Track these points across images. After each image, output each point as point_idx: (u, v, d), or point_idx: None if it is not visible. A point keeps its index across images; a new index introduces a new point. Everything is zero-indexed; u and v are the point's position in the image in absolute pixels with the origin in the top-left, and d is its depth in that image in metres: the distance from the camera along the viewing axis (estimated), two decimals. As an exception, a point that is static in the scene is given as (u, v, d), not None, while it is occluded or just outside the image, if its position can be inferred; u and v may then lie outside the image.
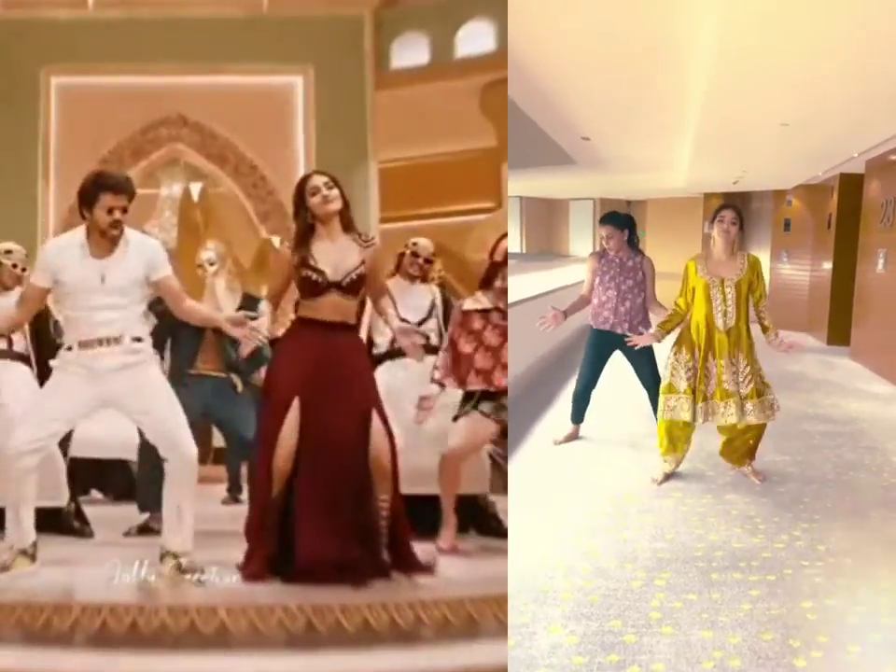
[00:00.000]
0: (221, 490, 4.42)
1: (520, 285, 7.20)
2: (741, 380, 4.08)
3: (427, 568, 2.76)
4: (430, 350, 3.36)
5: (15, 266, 3.45)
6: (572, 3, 4.03)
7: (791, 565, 3.16)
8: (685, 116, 6.18)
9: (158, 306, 3.46)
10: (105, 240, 2.69)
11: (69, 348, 2.72)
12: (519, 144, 10.74)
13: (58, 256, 2.71)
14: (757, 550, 3.32)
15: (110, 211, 2.65)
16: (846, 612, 2.76)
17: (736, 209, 4.17)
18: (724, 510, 3.83)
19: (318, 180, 2.78)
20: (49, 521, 3.19)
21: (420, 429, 3.32)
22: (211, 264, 3.86)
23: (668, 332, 4.23)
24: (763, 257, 12.22)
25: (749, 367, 4.11)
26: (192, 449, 2.73)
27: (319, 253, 2.79)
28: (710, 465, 4.48)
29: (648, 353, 4.71)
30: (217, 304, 3.76)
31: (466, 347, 3.30)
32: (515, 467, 4.50)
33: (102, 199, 2.64)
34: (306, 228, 2.80)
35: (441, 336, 3.60)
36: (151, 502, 3.26)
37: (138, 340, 2.75)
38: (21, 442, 2.63)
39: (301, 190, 2.80)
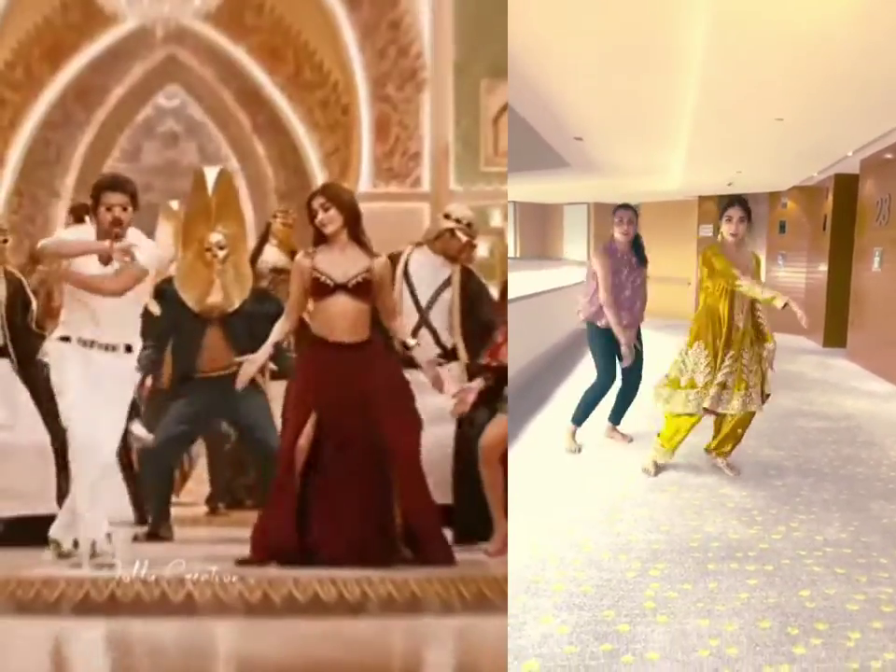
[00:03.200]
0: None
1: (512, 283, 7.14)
2: (751, 370, 4.04)
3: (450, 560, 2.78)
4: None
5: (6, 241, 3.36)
6: (567, 6, 4.00)
7: (788, 555, 3.09)
8: (679, 108, 6.14)
9: (164, 288, 3.34)
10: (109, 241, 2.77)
11: (66, 338, 2.78)
12: (512, 146, 10.68)
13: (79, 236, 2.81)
14: (754, 541, 3.25)
15: (109, 209, 2.77)
16: (845, 601, 2.68)
17: (743, 203, 4.07)
18: (720, 503, 3.75)
19: (316, 203, 2.90)
20: (37, 529, 2.93)
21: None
22: (221, 248, 3.37)
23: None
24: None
25: (755, 356, 4.07)
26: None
27: (327, 259, 2.90)
28: (705, 459, 4.40)
29: (641, 351, 4.74)
30: (227, 296, 3.38)
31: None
32: (510, 464, 4.42)
33: (102, 197, 2.78)
34: (318, 237, 2.93)
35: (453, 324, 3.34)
36: (160, 508, 3.24)
37: (128, 349, 2.86)
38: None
39: (308, 208, 2.93)
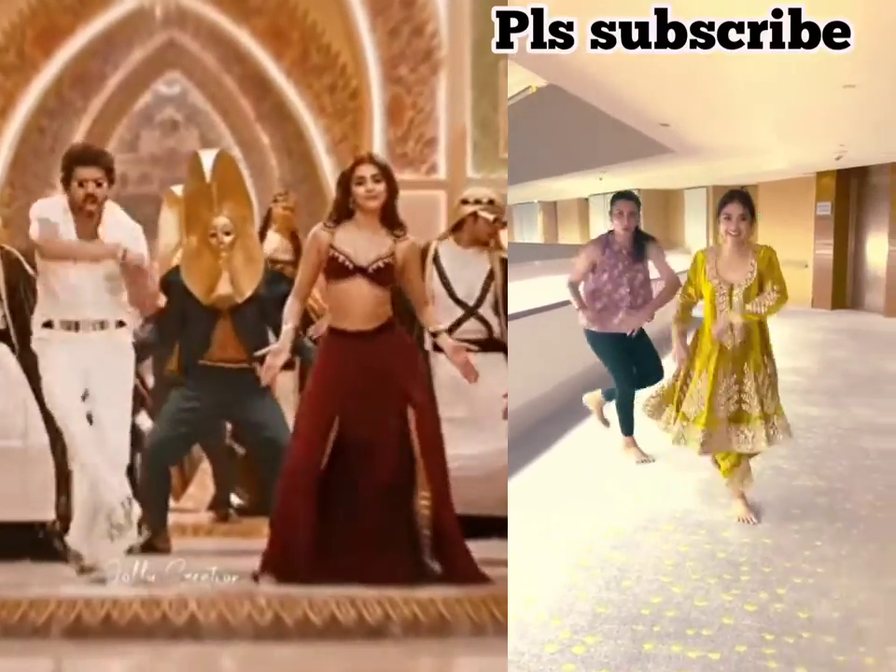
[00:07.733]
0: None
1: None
2: (762, 397, 3.31)
3: (483, 577, 2.44)
4: (491, 345, 2.96)
5: None
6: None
7: (748, 639, 2.39)
8: (746, 84, 5.23)
9: (171, 276, 3.03)
10: (84, 218, 2.50)
11: (49, 324, 2.50)
12: (605, 138, 10.00)
13: (50, 213, 2.49)
14: (720, 612, 2.56)
15: (81, 184, 2.47)
16: (788, 720, 2.01)
17: (743, 198, 3.30)
18: (711, 551, 3.05)
19: (367, 171, 2.54)
20: (25, 540, 2.64)
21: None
22: (227, 233, 2.98)
23: (687, 324, 3.52)
24: (881, 238, 10.55)
25: (769, 380, 3.34)
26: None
27: (348, 238, 2.56)
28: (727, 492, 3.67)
29: (648, 340, 4.10)
30: (237, 285, 2.99)
31: None
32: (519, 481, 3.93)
33: (75, 172, 2.48)
34: (344, 211, 2.59)
35: (498, 312, 3.01)
36: (157, 517, 2.85)
37: (121, 324, 2.58)
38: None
39: (349, 177, 2.57)
